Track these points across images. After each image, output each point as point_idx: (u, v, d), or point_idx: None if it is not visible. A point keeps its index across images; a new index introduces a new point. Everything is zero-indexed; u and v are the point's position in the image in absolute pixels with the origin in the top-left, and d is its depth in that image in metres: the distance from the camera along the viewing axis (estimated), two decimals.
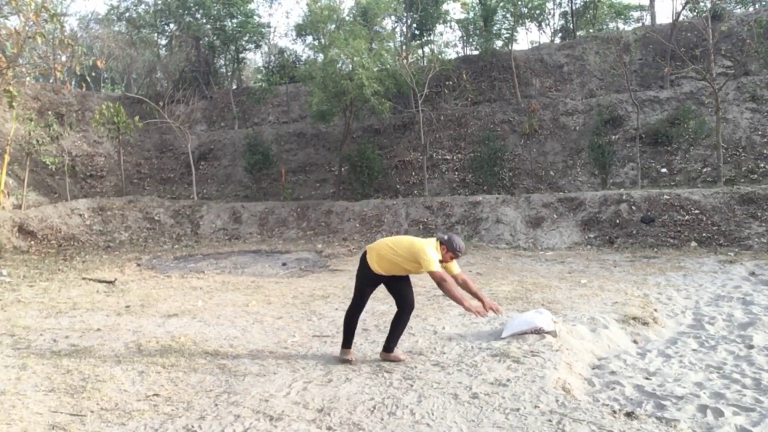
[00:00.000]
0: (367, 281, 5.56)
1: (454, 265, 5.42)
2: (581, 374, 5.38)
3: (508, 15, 24.59)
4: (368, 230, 17.87)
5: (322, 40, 23.51)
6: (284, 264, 13.67)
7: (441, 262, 5.27)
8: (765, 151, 17.91)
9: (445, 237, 5.33)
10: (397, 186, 21.49)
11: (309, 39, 26.41)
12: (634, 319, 7.21)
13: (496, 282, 10.13)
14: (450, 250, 5.30)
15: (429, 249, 5.19)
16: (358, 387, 4.89)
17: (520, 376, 5.04)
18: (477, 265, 12.51)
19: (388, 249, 5.37)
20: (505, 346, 5.90)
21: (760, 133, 18.44)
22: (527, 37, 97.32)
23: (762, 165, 17.50)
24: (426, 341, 6.30)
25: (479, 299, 5.29)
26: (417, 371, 5.25)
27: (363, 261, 5.54)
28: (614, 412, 4.30)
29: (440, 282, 5.09)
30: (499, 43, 25.59)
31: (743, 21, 22.01)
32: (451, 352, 5.85)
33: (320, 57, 23.26)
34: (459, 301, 5.09)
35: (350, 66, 19.60)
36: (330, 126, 23.64)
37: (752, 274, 10.48)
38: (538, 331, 6.16)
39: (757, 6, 25.24)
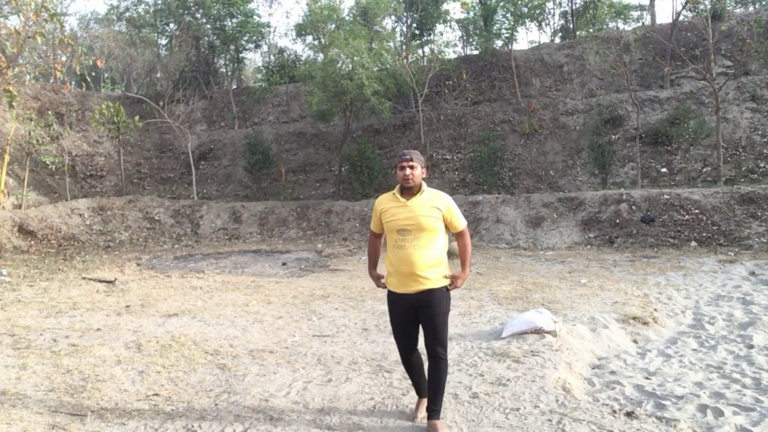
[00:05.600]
0: None
1: None
2: (581, 374, 5.37)
3: (508, 15, 24.58)
4: (368, 230, 17.86)
5: (322, 40, 23.50)
6: (284, 264, 13.67)
7: None
8: (765, 151, 17.90)
9: None
10: None
11: (309, 39, 26.40)
12: (634, 318, 7.21)
13: (496, 282, 10.13)
14: None
15: None
16: (358, 387, 4.89)
17: (520, 375, 5.04)
18: (477, 264, 12.51)
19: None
20: (505, 346, 5.90)
21: (760, 132, 18.44)
22: (527, 37, 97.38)
23: (762, 165, 17.50)
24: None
25: None
26: None
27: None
28: (614, 411, 4.30)
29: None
30: (499, 43, 25.60)
31: (743, 21, 21.99)
32: (451, 351, 5.84)
33: (320, 57, 23.26)
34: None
35: (350, 66, 19.59)
36: (330, 126, 23.65)
37: (752, 273, 10.48)
38: (538, 331, 6.16)
39: (756, 6, 25.23)
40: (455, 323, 7.11)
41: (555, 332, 6.16)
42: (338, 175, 21.71)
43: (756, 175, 17.16)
